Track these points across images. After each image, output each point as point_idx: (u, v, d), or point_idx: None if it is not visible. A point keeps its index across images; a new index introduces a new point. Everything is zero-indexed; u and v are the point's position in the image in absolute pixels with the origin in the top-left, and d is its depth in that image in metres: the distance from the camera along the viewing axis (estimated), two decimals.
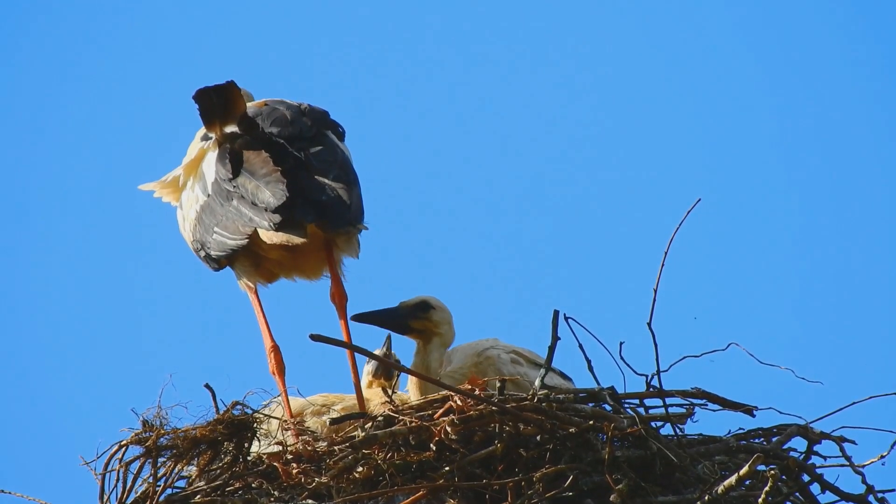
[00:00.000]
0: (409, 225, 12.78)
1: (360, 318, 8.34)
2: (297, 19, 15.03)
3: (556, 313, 7.56)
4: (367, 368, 8.68)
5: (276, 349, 8.18)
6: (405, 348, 8.57)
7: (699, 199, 7.36)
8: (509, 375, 8.17)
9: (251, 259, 8.20)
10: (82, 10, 14.62)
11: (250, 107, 8.23)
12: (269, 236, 7.91)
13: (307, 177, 7.92)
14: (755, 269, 13.17)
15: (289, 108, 8.19)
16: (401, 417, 7.43)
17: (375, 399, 8.36)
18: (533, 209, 13.76)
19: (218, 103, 8.00)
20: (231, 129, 8.07)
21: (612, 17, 14.90)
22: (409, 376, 8.28)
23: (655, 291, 7.35)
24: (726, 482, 7.20)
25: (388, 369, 8.54)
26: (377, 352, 8.61)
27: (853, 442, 7.56)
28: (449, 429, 7.34)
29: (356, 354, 8.00)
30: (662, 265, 7.35)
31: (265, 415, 7.73)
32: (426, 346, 8.35)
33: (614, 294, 12.34)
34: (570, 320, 7.48)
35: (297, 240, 7.84)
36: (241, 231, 7.94)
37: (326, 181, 7.91)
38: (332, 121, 8.30)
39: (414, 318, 8.35)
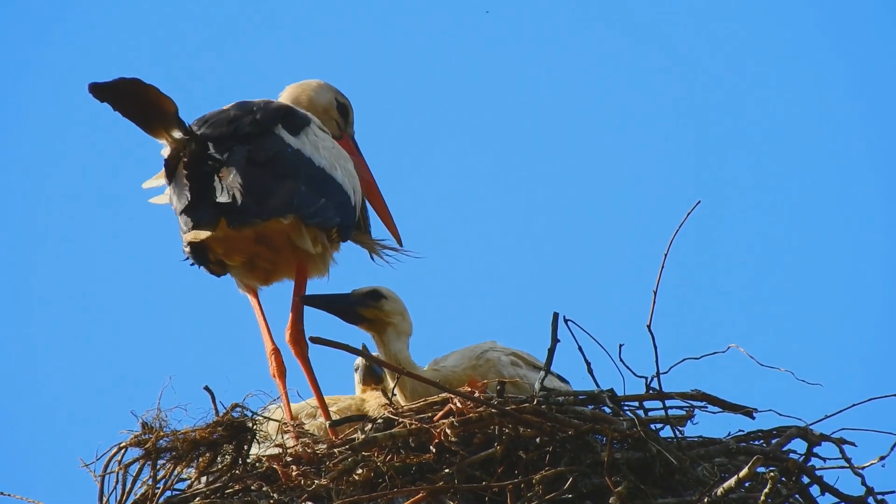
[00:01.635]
0: (408, 224, 12.76)
1: (309, 300, 8.22)
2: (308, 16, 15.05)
3: (556, 315, 7.56)
4: (357, 377, 8.63)
5: (276, 352, 8.19)
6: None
7: (699, 202, 7.37)
8: (509, 377, 8.17)
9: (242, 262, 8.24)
10: (80, 13, 14.63)
11: (220, 111, 8.21)
12: (186, 237, 7.95)
13: (215, 178, 7.90)
14: (755, 270, 13.18)
15: (240, 108, 8.17)
16: (400, 420, 7.43)
17: (373, 401, 8.36)
18: (532, 209, 13.77)
19: (135, 105, 7.90)
20: (178, 134, 8.03)
21: (612, 16, 14.90)
22: (394, 381, 8.16)
23: (655, 293, 7.36)
24: (726, 484, 7.19)
25: (374, 376, 8.50)
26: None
27: (853, 444, 7.56)
28: (448, 431, 7.35)
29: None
30: (662, 267, 7.36)
31: (265, 417, 7.73)
32: (382, 337, 8.26)
33: (614, 296, 12.34)
34: (569, 322, 7.48)
35: (203, 234, 7.87)
36: (182, 238, 8.03)
37: (233, 182, 7.87)
38: (289, 115, 8.23)
39: (364, 305, 8.25)
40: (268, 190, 7.92)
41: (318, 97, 8.72)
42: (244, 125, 8.08)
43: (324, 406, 8.14)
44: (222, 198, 7.84)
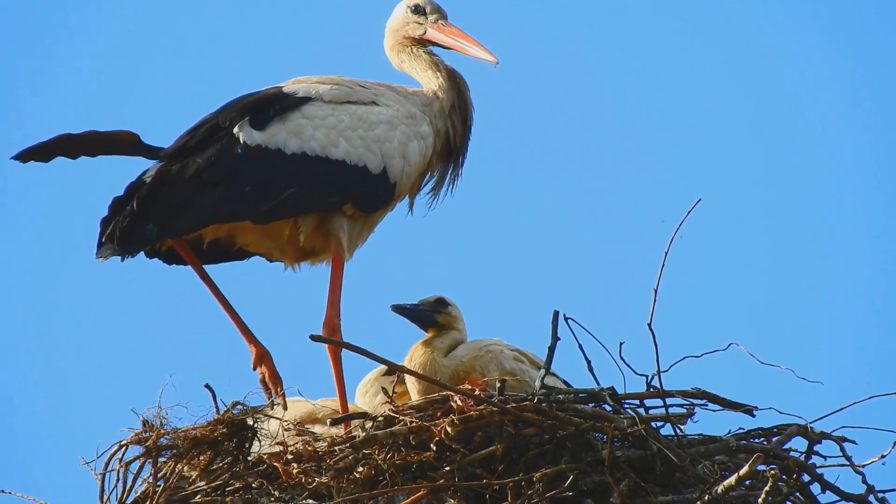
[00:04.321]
0: (408, 224, 12.75)
1: (398, 309, 8.42)
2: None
3: (556, 314, 7.56)
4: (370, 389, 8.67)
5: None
6: (402, 345, 8.58)
7: (699, 200, 7.36)
8: (510, 371, 8.19)
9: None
10: (80, 14, 14.64)
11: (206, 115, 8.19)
12: None
13: (126, 208, 7.87)
14: (755, 269, 13.18)
15: (218, 110, 8.07)
16: (401, 417, 7.43)
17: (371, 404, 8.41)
18: (532, 209, 13.76)
19: (89, 150, 7.90)
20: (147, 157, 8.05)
21: (612, 16, 14.90)
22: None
23: (656, 292, 7.35)
24: (726, 482, 7.20)
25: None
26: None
27: (853, 442, 7.56)
28: (449, 429, 7.35)
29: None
30: (663, 265, 7.36)
31: (266, 414, 7.73)
32: (440, 333, 8.41)
33: (614, 294, 12.34)
34: (569, 321, 7.48)
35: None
36: None
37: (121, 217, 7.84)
38: (264, 105, 8.06)
39: (438, 312, 8.43)
40: (179, 207, 7.82)
41: (395, 20, 8.56)
42: (199, 133, 7.99)
43: (343, 401, 8.12)
44: (105, 237, 7.83)
